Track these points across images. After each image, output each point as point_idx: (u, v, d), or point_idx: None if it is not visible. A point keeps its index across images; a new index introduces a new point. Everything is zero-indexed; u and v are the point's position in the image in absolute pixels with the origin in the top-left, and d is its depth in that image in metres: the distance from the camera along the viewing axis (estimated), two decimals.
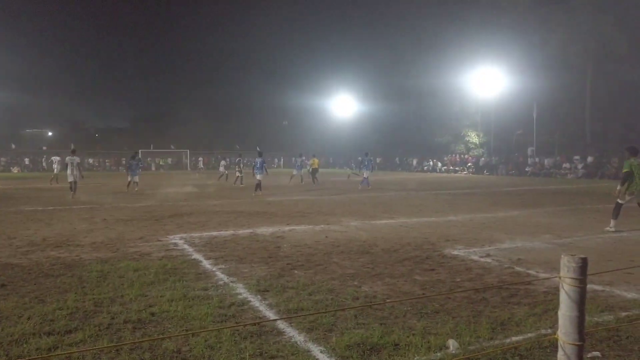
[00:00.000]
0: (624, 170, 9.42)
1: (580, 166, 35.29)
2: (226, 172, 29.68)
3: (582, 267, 2.37)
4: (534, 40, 40.26)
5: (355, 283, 5.72)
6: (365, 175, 21.81)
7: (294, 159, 21.17)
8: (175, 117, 67.47)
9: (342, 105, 59.59)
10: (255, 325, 4.26)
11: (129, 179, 21.03)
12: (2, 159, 52.26)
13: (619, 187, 9.50)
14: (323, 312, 4.59)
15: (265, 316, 4.61)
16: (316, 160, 26.74)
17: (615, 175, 31.48)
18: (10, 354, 3.72)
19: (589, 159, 35.50)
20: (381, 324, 4.30)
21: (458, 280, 5.90)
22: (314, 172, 25.83)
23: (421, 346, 3.80)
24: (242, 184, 24.39)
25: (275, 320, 4.45)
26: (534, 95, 39.75)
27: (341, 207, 14.17)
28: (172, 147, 57.25)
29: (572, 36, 38.27)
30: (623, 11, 36.69)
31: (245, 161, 26.05)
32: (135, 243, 8.34)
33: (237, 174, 24.98)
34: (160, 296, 5.13)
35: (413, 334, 4.04)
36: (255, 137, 63.01)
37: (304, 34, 79.45)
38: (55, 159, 26.63)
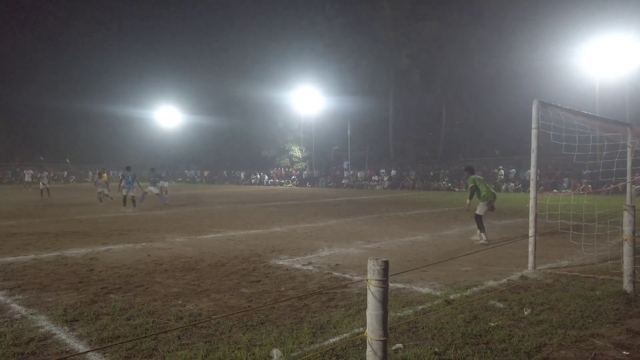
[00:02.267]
0: (470, 185, 10.24)
1: (385, 178, 39.80)
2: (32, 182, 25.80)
3: (384, 270, 2.68)
4: (347, 65, 44.38)
5: (180, 302, 5.49)
6: (155, 192, 20.72)
7: (121, 173, 18.70)
8: None
9: (168, 116, 57.08)
10: None
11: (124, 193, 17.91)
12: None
13: (468, 201, 10.23)
14: (142, 337, 4.29)
15: (73, 349, 4.11)
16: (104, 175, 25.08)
17: (413, 185, 36.51)
18: None
19: (393, 172, 40.34)
20: (206, 342, 4.20)
21: (282, 289, 6.11)
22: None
23: (246, 359, 3.82)
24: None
25: (86, 352, 4.01)
26: (348, 115, 43.87)
27: (166, 223, 13.49)
28: None
29: (377, 65, 43.25)
30: (416, 47, 42.81)
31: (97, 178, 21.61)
32: None
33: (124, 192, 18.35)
34: None
35: (238, 348, 4.04)
36: (62, 147, 56.29)
37: (125, 35, 73.25)
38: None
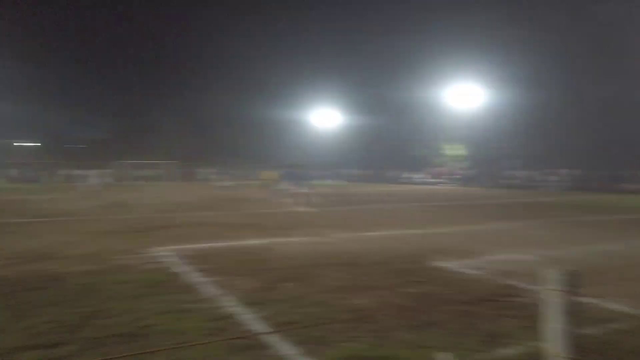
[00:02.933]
0: None
1: (562, 178, 35.95)
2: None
3: (573, 280, 2.40)
4: (513, 56, 41.11)
5: (347, 295, 5.70)
6: (304, 191, 19.34)
7: (285, 172, 20.10)
8: (157, 129, 67.16)
9: (324, 118, 60.23)
10: (245, 338, 4.22)
11: (296, 190, 17.81)
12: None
13: None
14: (314, 325, 4.56)
15: (255, 329, 4.56)
16: (271, 174, 27.61)
17: (598, 187, 32.13)
18: None
19: (567, 171, 36.29)
20: (372, 337, 4.28)
21: (449, 292, 5.92)
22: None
23: (412, 359, 3.79)
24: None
25: (266, 333, 4.41)
26: (514, 109, 40.65)
27: (329, 220, 14.16)
28: (157, 159, 56.83)
29: (549, 53, 39.12)
30: (594, 32, 37.38)
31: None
32: (121, 256, 8.22)
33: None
34: (148, 309, 5.06)
35: (404, 347, 4.03)
36: (239, 148, 62.87)
37: (288, 45, 79.56)
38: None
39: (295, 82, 65.33)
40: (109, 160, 55.46)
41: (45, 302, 5.33)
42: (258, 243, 9.62)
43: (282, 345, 4.09)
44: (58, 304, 5.25)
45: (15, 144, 68.56)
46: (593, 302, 5.39)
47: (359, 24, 70.35)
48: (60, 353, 3.92)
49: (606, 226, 12.84)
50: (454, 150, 47.89)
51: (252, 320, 4.80)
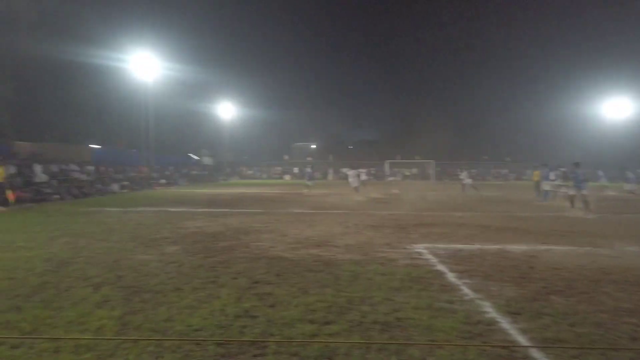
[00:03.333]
0: None
1: None
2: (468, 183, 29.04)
3: None
4: None
5: (634, 320, 4.76)
6: (580, 193, 16.13)
7: (561, 171, 18.69)
8: (420, 129, 69.10)
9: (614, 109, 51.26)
10: (505, 348, 3.97)
11: (573, 192, 16.16)
12: (278, 168, 62.44)
13: None
14: (589, 348, 3.95)
15: (516, 341, 4.25)
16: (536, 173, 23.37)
17: None
18: (283, 333, 4.36)
19: None
20: None
21: None
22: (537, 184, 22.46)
23: None
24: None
25: (529, 347, 4.05)
26: None
27: (613, 228, 12.07)
28: (417, 158, 58.69)
29: None
30: None
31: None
32: (382, 248, 8.80)
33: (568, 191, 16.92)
34: (406, 302, 5.27)
35: None
36: (505, 148, 59.53)
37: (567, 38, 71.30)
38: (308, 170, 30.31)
39: (579, 72, 58.31)
40: (376, 159, 60.22)
41: (320, 284, 6.14)
42: (518, 248, 8.93)
43: None
44: (330, 286, 5.97)
45: (296, 144, 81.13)
46: None
47: None
48: (331, 330, 4.45)
49: None
50: None
51: (511, 330, 4.49)
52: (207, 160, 58.36)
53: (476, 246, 9.14)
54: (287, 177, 59.31)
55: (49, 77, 26.22)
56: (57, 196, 21.33)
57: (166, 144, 43.35)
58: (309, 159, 68.60)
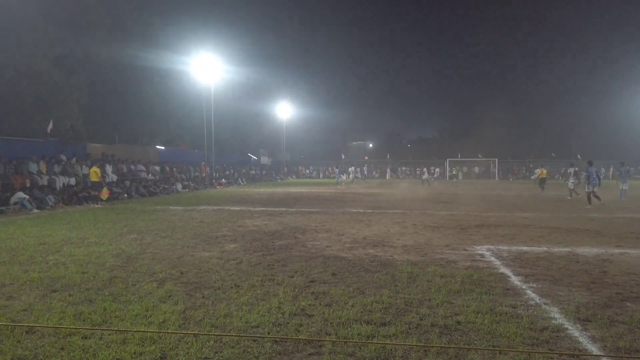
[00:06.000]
0: None
1: None
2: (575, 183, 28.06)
3: None
4: None
5: None
6: (623, 187, 20.57)
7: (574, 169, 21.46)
8: (482, 126, 66.84)
9: None
10: (574, 356, 3.73)
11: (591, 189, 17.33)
12: (335, 168, 62.59)
13: None
14: None
15: (586, 349, 3.98)
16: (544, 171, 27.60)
17: None
18: (339, 333, 4.34)
19: None
20: None
21: None
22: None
23: None
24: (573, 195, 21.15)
25: (601, 356, 3.79)
26: None
27: None
28: (479, 155, 56.79)
29: None
30: None
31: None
32: (442, 250, 8.57)
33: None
34: (466, 306, 5.09)
35: None
36: (575, 145, 56.47)
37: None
38: (351, 169, 31.39)
39: None
40: (435, 157, 58.96)
41: (377, 284, 6.06)
42: (590, 251, 8.39)
43: None
44: (387, 287, 5.88)
45: (352, 143, 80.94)
46: None
47: None
48: (388, 332, 4.37)
49: None
50: None
51: (580, 338, 4.21)
52: (265, 160, 59.54)
53: (543, 248, 8.70)
54: (343, 177, 59.34)
55: (119, 81, 27.74)
56: (126, 195, 22.54)
57: (226, 144, 44.62)
58: (366, 157, 68.28)
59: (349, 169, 40.56)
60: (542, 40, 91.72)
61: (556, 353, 3.89)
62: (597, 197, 17.27)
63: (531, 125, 64.91)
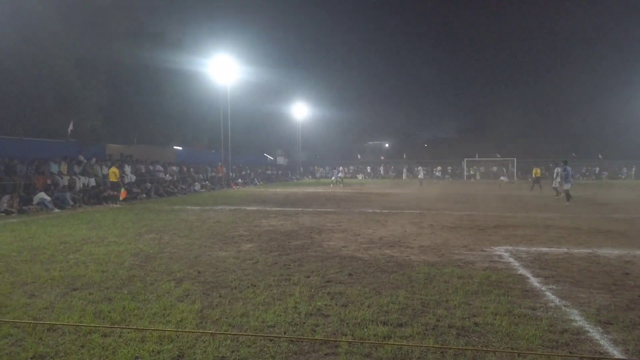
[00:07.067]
0: None
1: None
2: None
3: None
4: None
5: None
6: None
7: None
8: (500, 126, 65.96)
9: None
10: None
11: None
12: (351, 167, 62.49)
13: None
14: None
15: (607, 353, 3.90)
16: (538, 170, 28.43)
17: None
18: (355, 334, 4.33)
19: None
20: None
21: None
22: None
23: None
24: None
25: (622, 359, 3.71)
26: None
27: None
28: (498, 155, 56.11)
29: None
30: None
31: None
32: (459, 250, 8.49)
33: None
34: (484, 307, 5.03)
35: None
36: (596, 144, 55.44)
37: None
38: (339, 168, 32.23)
39: None
40: (450, 157, 58.49)
41: (393, 285, 6.03)
42: (612, 253, 8.22)
43: None
44: (404, 288, 5.85)
45: (368, 143, 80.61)
46: None
47: None
48: (404, 333, 4.35)
49: None
50: None
51: (602, 341, 4.13)
52: (281, 160, 59.72)
53: (563, 250, 8.55)
54: (360, 177, 59.21)
55: (138, 83, 28.15)
56: (144, 195, 22.82)
57: (242, 144, 44.91)
58: (382, 158, 68.02)
59: (339, 169, 41.08)
60: (564, 37, 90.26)
61: (577, 356, 3.82)
62: (568, 195, 18.26)
63: (551, 125, 63.76)
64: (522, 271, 6.80)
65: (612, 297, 5.46)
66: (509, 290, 5.72)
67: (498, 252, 8.29)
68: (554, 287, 5.94)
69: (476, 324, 4.54)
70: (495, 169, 56.89)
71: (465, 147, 60.28)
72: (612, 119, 58.89)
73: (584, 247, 8.84)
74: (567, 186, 18.38)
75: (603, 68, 70.32)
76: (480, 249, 8.66)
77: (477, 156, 55.76)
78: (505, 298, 5.39)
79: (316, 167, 62.00)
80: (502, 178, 39.39)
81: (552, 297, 5.49)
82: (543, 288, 5.88)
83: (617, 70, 69.04)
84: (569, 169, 18.53)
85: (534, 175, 28.19)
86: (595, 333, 4.33)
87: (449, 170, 57.86)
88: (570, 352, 3.90)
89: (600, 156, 54.88)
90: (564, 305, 5.14)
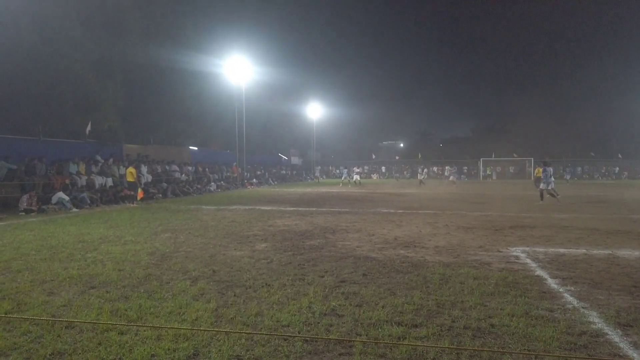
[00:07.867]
0: None
1: None
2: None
3: None
4: None
5: None
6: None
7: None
8: (517, 125, 65.14)
9: None
10: None
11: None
12: (366, 167, 62.34)
13: None
14: None
15: (627, 355, 3.83)
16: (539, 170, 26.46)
17: None
18: (369, 334, 4.31)
19: None
20: None
21: None
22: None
23: None
24: None
25: None
26: None
27: None
28: (515, 155, 55.44)
29: None
30: None
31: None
32: (475, 251, 8.41)
33: None
34: (500, 309, 4.98)
35: None
36: (616, 144, 54.48)
37: None
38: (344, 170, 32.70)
39: None
40: (467, 157, 57.96)
41: (408, 285, 6.00)
42: (632, 254, 8.06)
43: None
44: (419, 289, 5.81)
45: (383, 143, 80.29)
46: None
47: None
48: (419, 333, 4.32)
49: None
50: None
51: (621, 344, 4.06)
52: (295, 160, 59.83)
53: (581, 251, 8.42)
54: (374, 177, 59.04)
55: (154, 83, 28.43)
56: (160, 195, 23.06)
57: (257, 144, 45.12)
58: (397, 158, 67.70)
59: (354, 169, 41.00)
60: (583, 35, 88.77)
61: (595, 359, 3.76)
62: (553, 195, 18.68)
63: (569, 124, 62.71)
64: (539, 272, 6.71)
65: (632, 299, 5.36)
66: (525, 292, 5.65)
67: (514, 253, 8.19)
68: (572, 288, 5.85)
69: (492, 325, 4.49)
70: (512, 169, 56.23)
71: (482, 146, 59.69)
72: (631, 118, 57.74)
73: (602, 248, 8.69)
74: (543, 186, 18.97)
75: (621, 67, 69.08)
76: (496, 249, 8.57)
77: (493, 156, 55.16)
78: (522, 299, 5.32)
79: (331, 167, 62.00)
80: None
81: (570, 298, 5.41)
82: (561, 289, 5.79)
83: (636, 69, 67.74)
84: (548, 169, 18.91)
85: (535, 175, 28.02)
86: (614, 335, 4.25)
87: (465, 170, 57.30)
88: (588, 355, 3.84)
89: (620, 156, 53.90)
90: (583, 307, 5.06)
